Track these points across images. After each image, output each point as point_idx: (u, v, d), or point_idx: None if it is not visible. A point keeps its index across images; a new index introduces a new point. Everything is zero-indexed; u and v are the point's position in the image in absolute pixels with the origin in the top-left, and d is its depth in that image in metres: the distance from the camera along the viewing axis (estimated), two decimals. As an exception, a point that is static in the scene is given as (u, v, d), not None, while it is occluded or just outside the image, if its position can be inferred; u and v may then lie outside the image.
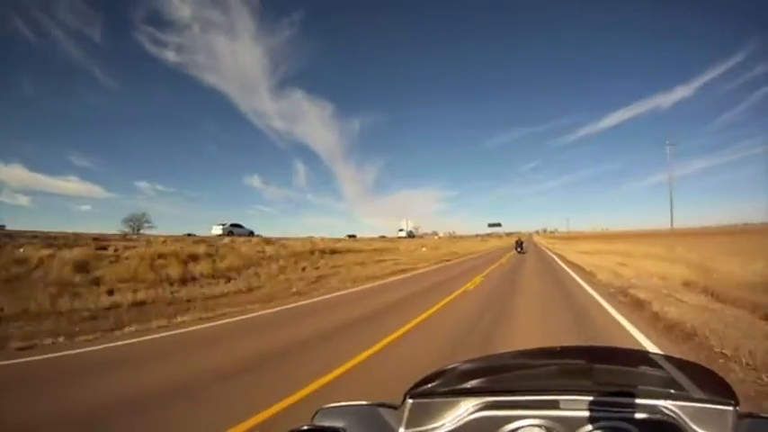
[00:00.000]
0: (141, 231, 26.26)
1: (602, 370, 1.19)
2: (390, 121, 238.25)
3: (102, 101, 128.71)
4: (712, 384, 1.03)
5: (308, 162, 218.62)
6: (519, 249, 31.04)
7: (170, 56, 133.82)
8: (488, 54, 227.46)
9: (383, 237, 64.48)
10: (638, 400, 0.89)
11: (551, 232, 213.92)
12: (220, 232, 28.74)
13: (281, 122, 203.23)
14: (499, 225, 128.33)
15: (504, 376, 1.23)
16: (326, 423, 0.94)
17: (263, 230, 35.32)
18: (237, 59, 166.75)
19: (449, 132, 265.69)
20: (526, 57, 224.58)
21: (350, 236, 55.77)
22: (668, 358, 1.32)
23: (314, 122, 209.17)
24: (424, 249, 35.71)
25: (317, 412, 1.01)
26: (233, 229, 29.83)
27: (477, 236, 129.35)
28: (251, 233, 31.73)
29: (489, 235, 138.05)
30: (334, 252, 23.95)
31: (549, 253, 32.41)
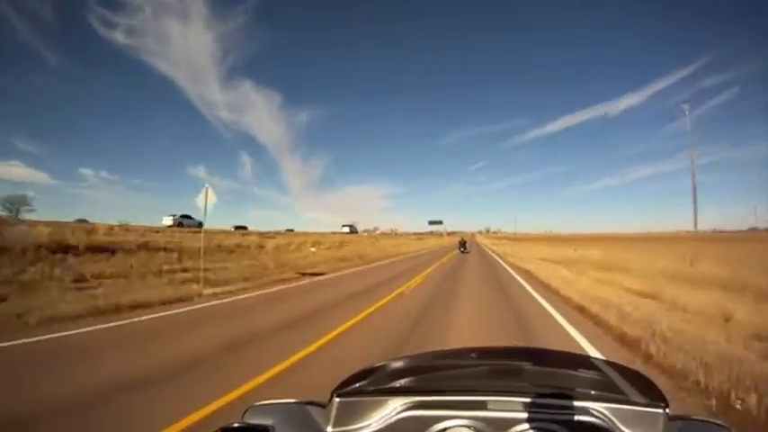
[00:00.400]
0: (20, 216, 23.50)
1: (532, 371, 1.23)
2: (338, 115, 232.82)
3: (49, 82, 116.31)
4: (643, 388, 1.07)
5: (253, 154, 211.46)
6: (462, 249, 30.51)
7: (120, 38, 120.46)
8: (439, 53, 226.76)
9: (335, 232, 62.12)
10: (567, 402, 0.90)
11: (494, 232, 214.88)
12: (170, 223, 28.99)
13: (228, 113, 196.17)
14: (440, 223, 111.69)
15: (433, 376, 1.26)
16: (256, 421, 0.91)
17: (207, 222, 32.78)
18: (188, 46, 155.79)
19: (397, 130, 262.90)
20: (478, 57, 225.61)
21: (288, 230, 54.02)
22: (600, 361, 1.47)
23: (261, 114, 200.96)
24: (313, 249, 24.79)
25: (246, 410, 0.98)
26: (183, 220, 29.70)
27: (416, 234, 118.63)
28: (200, 224, 34.15)
29: (431, 233, 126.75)
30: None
31: (503, 264, 20.60)
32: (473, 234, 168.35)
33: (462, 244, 32.00)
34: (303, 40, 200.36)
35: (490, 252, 35.16)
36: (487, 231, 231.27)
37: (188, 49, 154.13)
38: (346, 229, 62.46)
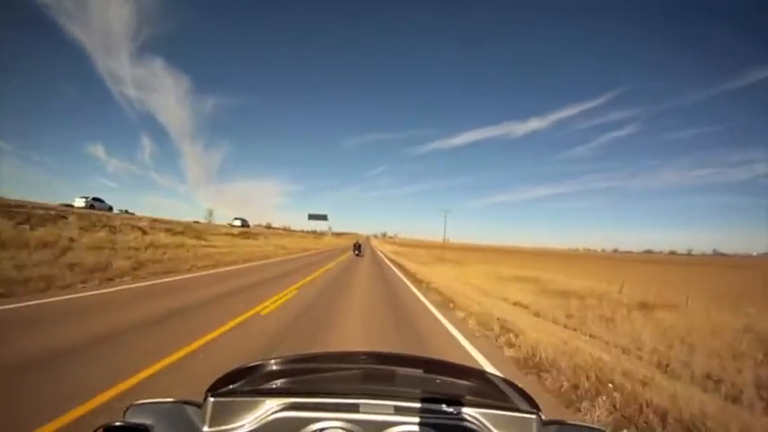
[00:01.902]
0: None
1: (406, 376, 1.30)
2: (244, 106, 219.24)
3: None
4: (515, 395, 1.10)
5: (155, 137, 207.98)
6: (357, 252, 30.59)
7: None
8: (350, 55, 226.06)
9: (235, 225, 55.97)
10: (440, 407, 0.92)
11: (391, 237, 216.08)
12: (83, 205, 29.24)
13: (135, 90, 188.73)
14: (324, 218, 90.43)
15: (308, 378, 1.27)
16: (137, 420, 0.90)
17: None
18: (106, 14, 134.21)
19: (301, 128, 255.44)
20: (386, 64, 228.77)
21: (195, 222, 50.53)
22: (473, 369, 1.51)
23: (168, 95, 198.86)
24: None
25: (128, 408, 0.96)
26: (95, 203, 30.62)
27: (284, 229, 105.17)
28: (110, 208, 32.45)
29: (314, 233, 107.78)
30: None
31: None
32: (368, 237, 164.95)
33: (357, 247, 31.73)
34: (220, 26, 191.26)
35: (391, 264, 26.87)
36: (384, 236, 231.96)
37: (105, 18, 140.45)
38: (238, 223, 60.63)
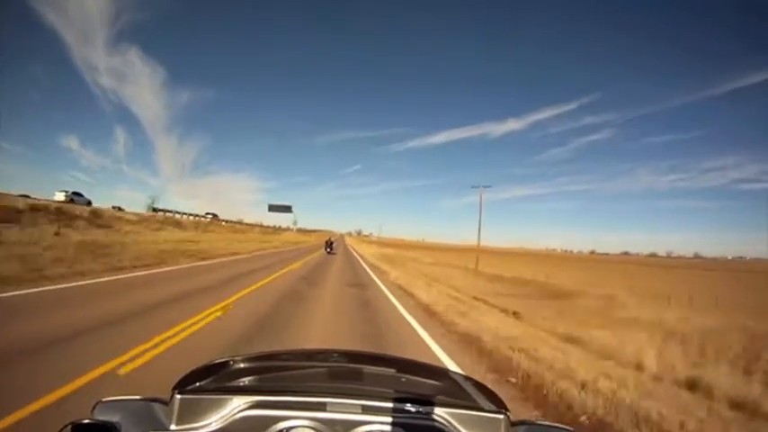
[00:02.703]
0: None
1: (373, 374, 1.25)
2: (219, 100, 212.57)
3: None
4: (483, 395, 1.09)
5: (129, 129, 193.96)
6: (328, 250, 29.92)
7: None
8: (326, 52, 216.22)
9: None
10: (407, 406, 0.90)
11: (366, 236, 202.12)
12: (63, 199, 30.08)
13: (109, 80, 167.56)
14: (288, 210, 73.75)
15: (275, 375, 1.24)
16: (104, 417, 0.89)
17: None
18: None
19: (276, 123, 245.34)
20: (365, 61, 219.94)
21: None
22: (441, 369, 1.55)
23: (143, 87, 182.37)
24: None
25: (95, 405, 0.95)
26: (74, 197, 31.45)
27: (240, 223, 71.74)
28: (89, 203, 32.69)
29: (275, 229, 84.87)
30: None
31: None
32: (342, 235, 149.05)
33: (329, 245, 31.43)
34: (197, 16, 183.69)
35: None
36: (358, 234, 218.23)
37: (82, 3, 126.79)
38: (210, 216, 58.51)
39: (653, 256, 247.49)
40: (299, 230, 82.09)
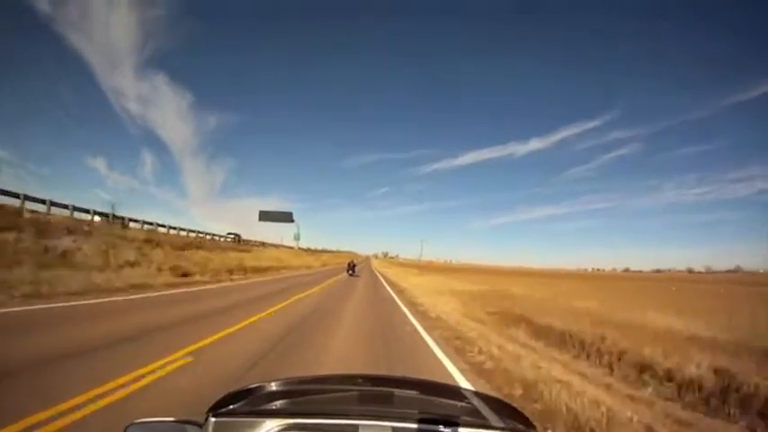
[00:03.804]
0: None
1: (402, 397, 1.29)
2: (246, 123, 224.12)
3: None
4: (511, 415, 1.15)
5: (156, 153, 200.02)
6: (351, 273, 29.68)
7: (44, 5, 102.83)
8: (353, 74, 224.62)
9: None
10: (437, 428, 0.91)
11: (393, 257, 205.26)
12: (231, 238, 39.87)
13: (136, 105, 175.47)
14: (288, 219, 53.58)
15: (307, 399, 1.30)
16: None
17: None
18: (110, 26, 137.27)
19: (303, 146, 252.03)
20: (392, 83, 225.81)
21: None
22: (470, 392, 1.53)
23: (170, 111, 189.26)
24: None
25: (127, 428, 0.95)
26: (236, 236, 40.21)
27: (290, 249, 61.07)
28: (123, 222, 30.05)
29: (261, 245, 55.39)
30: None
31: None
32: (367, 257, 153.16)
33: (351, 267, 30.90)
34: (224, 41, 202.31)
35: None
36: (385, 256, 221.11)
37: (109, 30, 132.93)
38: (231, 237, 56.61)
39: (690, 271, 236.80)
40: (300, 248, 66.19)
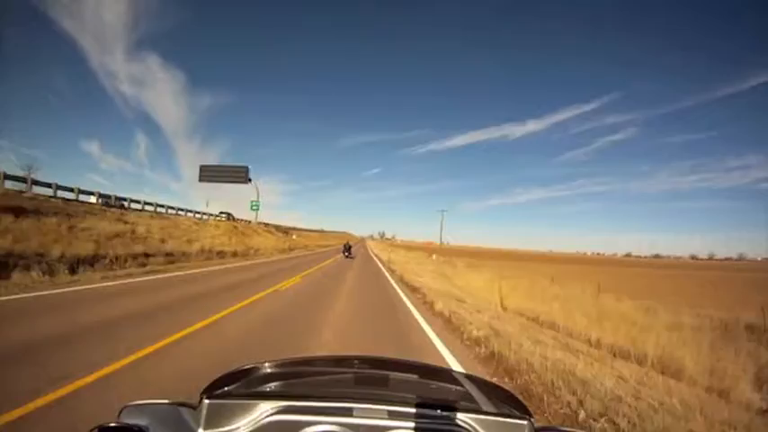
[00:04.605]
0: None
1: (398, 380, 1.27)
2: (240, 104, 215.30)
3: None
4: (506, 400, 1.12)
5: (150, 135, 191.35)
6: (346, 254, 29.25)
7: None
8: (347, 55, 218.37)
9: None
10: (433, 412, 0.90)
11: (389, 239, 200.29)
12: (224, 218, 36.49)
13: (130, 87, 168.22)
14: (241, 175, 39.99)
15: (302, 381, 1.29)
16: (132, 421, 0.88)
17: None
18: (101, 6, 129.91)
19: (297, 127, 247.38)
20: (386, 63, 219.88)
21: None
22: (467, 376, 1.43)
23: (164, 92, 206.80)
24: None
25: (122, 410, 0.94)
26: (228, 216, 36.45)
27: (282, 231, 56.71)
28: (122, 205, 30.41)
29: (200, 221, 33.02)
30: None
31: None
32: (362, 238, 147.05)
33: (347, 248, 30.12)
34: (217, 21, 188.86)
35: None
36: (381, 237, 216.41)
37: (99, 11, 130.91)
38: (224, 216, 55.62)
39: (694, 258, 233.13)
40: (280, 231, 54.31)
